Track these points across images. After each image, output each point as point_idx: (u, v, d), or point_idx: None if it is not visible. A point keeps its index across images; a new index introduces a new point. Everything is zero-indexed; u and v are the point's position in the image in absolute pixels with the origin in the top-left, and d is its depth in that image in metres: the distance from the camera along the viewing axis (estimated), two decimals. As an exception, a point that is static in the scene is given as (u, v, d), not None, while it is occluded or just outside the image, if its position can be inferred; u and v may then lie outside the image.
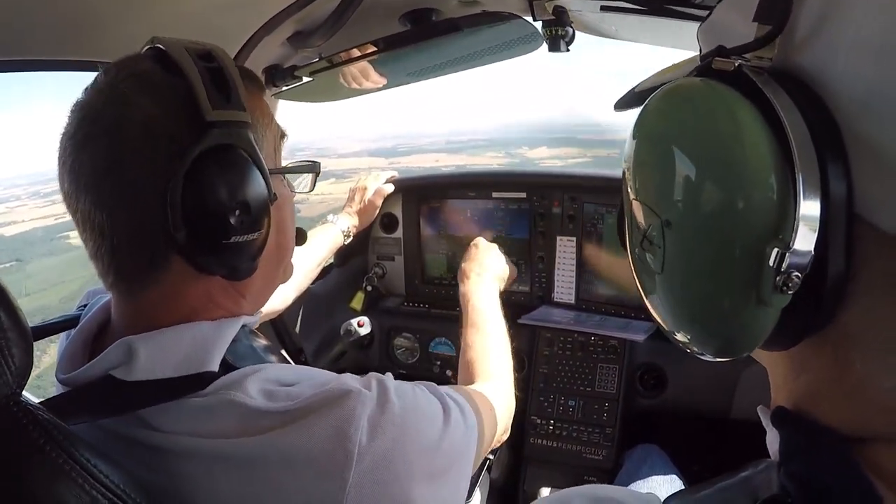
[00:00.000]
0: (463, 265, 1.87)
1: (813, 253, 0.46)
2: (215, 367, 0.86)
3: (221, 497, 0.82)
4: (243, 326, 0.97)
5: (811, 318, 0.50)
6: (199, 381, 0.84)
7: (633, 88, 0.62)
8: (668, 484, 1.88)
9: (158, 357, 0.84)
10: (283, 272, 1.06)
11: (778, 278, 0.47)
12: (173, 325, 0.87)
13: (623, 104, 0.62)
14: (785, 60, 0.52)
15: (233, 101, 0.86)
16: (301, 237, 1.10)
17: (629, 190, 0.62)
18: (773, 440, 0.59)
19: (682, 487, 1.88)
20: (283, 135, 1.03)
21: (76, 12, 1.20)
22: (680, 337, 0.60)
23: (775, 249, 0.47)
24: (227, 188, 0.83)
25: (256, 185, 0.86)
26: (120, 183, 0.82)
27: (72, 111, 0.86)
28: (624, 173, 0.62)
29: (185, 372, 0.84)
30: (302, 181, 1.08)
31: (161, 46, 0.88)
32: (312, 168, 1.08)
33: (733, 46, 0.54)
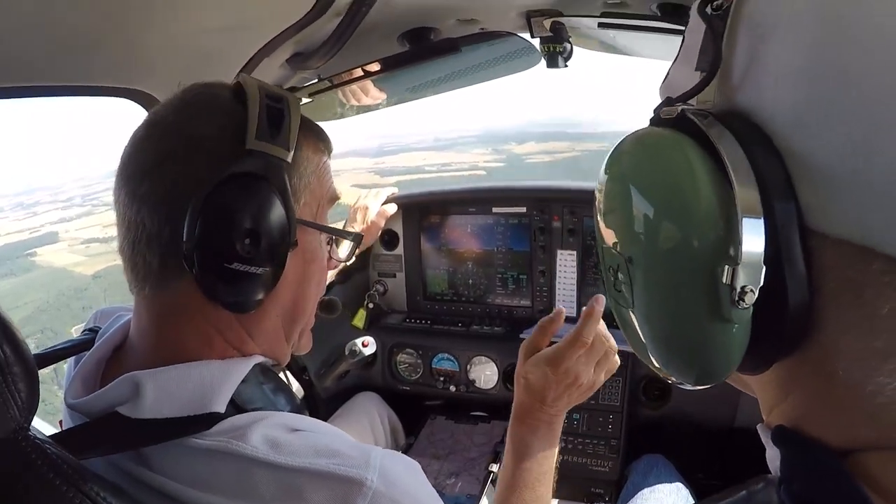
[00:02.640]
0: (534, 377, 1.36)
1: (764, 265, 0.49)
2: (221, 409, 0.85)
3: None
4: (256, 365, 0.95)
5: (782, 335, 0.52)
6: (203, 422, 0.83)
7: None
8: (674, 493, 1.89)
9: (164, 396, 0.83)
10: (300, 338, 1.06)
11: (733, 293, 0.50)
12: (182, 363, 0.88)
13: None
14: (726, 101, 0.57)
15: (279, 137, 0.88)
16: (332, 309, 1.10)
17: (600, 233, 0.65)
18: (773, 457, 0.59)
19: (689, 497, 1.88)
20: (334, 198, 1.04)
21: (73, 37, 1.20)
22: (660, 368, 0.63)
23: (725, 266, 0.50)
24: (242, 214, 0.85)
25: (274, 220, 0.87)
26: (155, 183, 0.86)
27: (147, 115, 0.93)
28: (596, 219, 0.66)
29: (190, 412, 0.83)
30: (343, 249, 1.10)
31: (241, 81, 0.92)
32: (354, 237, 1.10)
33: (678, 95, 0.60)
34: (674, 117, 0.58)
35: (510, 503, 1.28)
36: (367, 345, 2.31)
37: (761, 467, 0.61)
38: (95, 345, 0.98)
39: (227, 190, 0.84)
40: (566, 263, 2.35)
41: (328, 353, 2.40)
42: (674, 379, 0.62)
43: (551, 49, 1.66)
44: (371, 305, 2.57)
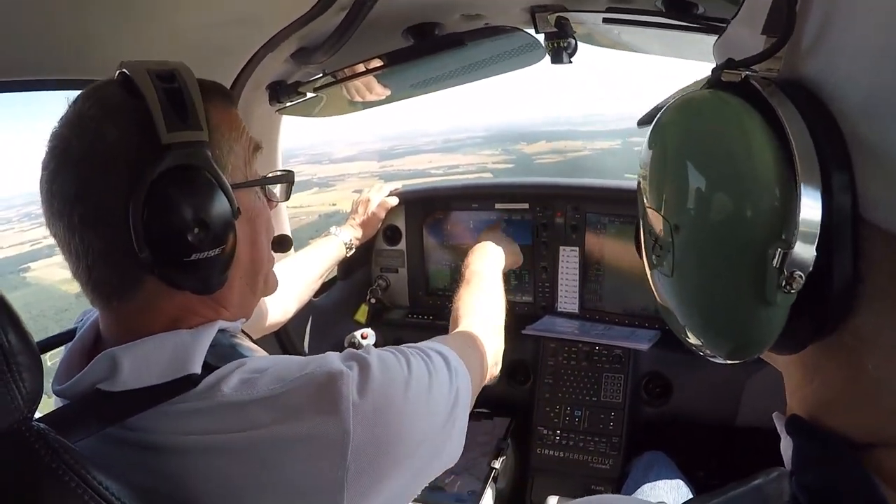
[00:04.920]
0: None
1: (816, 253, 0.48)
2: (198, 370, 0.87)
3: (222, 489, 0.84)
4: (223, 331, 0.98)
5: (820, 320, 0.51)
6: (184, 385, 0.86)
7: (657, 105, 0.64)
8: (674, 490, 1.88)
9: (142, 366, 0.86)
10: (265, 284, 1.09)
11: (781, 278, 0.48)
12: (154, 335, 0.90)
13: (646, 121, 0.64)
14: (791, 70, 0.54)
15: (190, 121, 0.88)
16: (285, 244, 1.14)
17: (643, 197, 0.63)
18: (787, 447, 0.59)
19: (689, 493, 1.88)
20: (256, 147, 1.04)
21: (75, 32, 1.20)
22: (692, 340, 0.61)
23: (778, 249, 0.48)
24: (185, 208, 0.86)
25: (215, 202, 0.89)
26: (87, 209, 0.86)
27: (47, 142, 0.90)
28: (639, 182, 0.64)
29: (169, 377, 0.86)
30: (277, 189, 1.12)
31: (126, 71, 0.90)
32: (284, 178, 1.11)
33: (741, 59, 0.56)
34: (736, 82, 0.56)
35: (460, 293, 1.64)
36: (366, 336, 2.30)
37: (763, 466, 0.60)
38: (77, 335, 1.00)
39: (162, 190, 0.85)
40: (568, 260, 2.35)
41: (330, 347, 2.39)
42: (707, 351, 0.61)
43: (556, 45, 1.65)
44: (373, 301, 2.57)
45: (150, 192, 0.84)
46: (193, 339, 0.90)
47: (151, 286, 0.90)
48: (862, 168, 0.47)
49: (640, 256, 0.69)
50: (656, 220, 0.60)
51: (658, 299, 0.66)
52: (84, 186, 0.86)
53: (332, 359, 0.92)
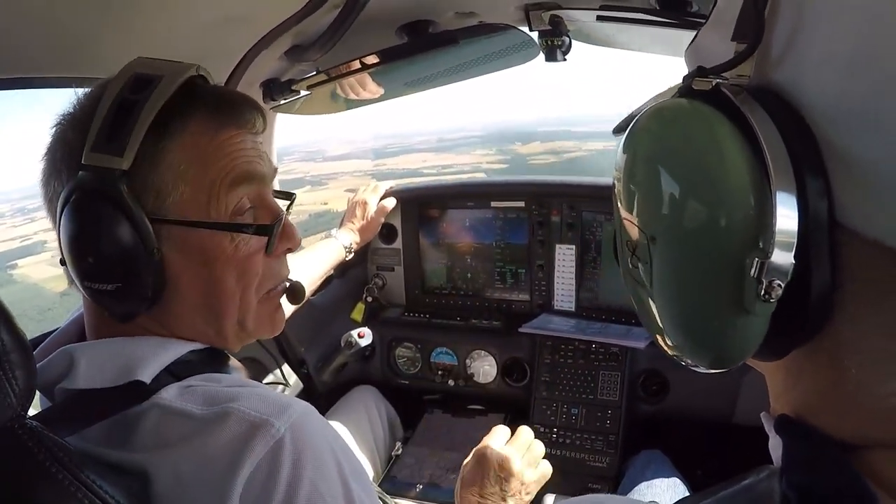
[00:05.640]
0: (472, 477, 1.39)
1: (794, 261, 0.47)
2: (146, 379, 0.84)
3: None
4: (206, 349, 0.96)
5: (800, 327, 0.51)
6: (131, 392, 0.84)
7: (632, 113, 0.64)
8: (671, 489, 1.88)
9: (95, 367, 0.85)
10: (247, 330, 0.99)
11: (759, 287, 0.48)
12: (118, 337, 0.90)
13: (621, 129, 0.63)
14: (762, 77, 0.54)
15: (114, 144, 0.83)
16: (298, 295, 1.07)
17: (618, 205, 0.63)
18: (776, 446, 0.59)
19: (686, 492, 1.88)
20: (238, 179, 0.92)
21: (71, 30, 1.20)
22: (673, 350, 0.61)
23: (755, 259, 0.48)
24: (79, 234, 0.85)
25: (112, 237, 0.84)
26: (45, 198, 0.91)
27: None
28: (614, 192, 0.64)
29: (118, 382, 0.84)
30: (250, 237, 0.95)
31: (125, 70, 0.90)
32: (252, 229, 0.94)
33: (712, 66, 0.56)
34: (707, 90, 0.55)
35: None
36: (362, 335, 2.31)
37: (760, 463, 0.60)
38: (55, 331, 1.01)
39: (69, 210, 0.84)
40: (564, 258, 2.35)
41: (327, 347, 2.40)
42: (689, 361, 0.61)
43: (550, 42, 1.65)
44: (369, 299, 2.57)
45: (64, 208, 0.84)
46: (155, 348, 0.89)
47: None
48: (836, 174, 0.47)
49: (617, 263, 0.68)
50: (633, 231, 0.60)
51: (637, 309, 0.66)
52: (43, 178, 0.90)
53: (280, 410, 0.82)
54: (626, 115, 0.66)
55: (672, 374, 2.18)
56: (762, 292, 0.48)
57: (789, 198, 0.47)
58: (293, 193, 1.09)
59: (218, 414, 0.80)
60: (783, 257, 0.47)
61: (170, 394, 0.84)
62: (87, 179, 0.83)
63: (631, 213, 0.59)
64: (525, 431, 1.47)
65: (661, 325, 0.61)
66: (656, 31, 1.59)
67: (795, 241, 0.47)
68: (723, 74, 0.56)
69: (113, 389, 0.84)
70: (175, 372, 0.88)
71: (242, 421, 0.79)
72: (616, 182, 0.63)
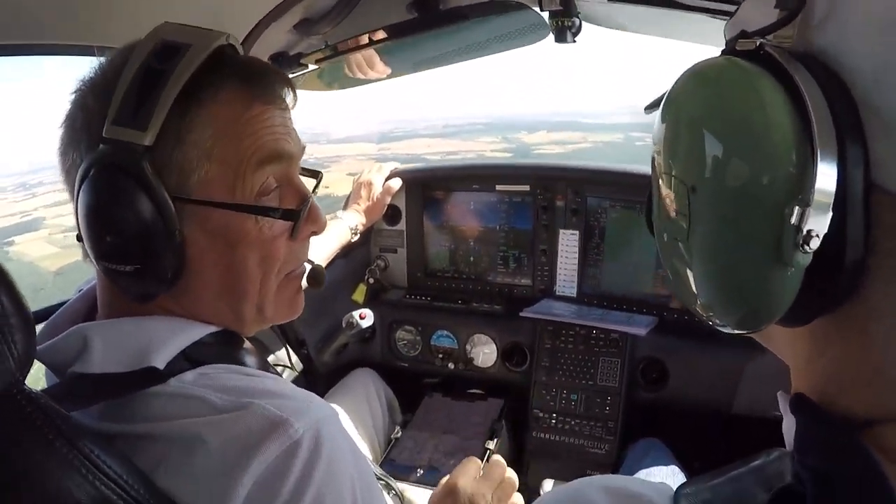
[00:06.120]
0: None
1: (832, 213, 0.48)
2: (160, 364, 0.82)
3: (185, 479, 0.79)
4: (221, 331, 0.94)
5: (833, 288, 0.51)
6: (146, 377, 0.82)
7: (663, 94, 0.64)
8: (669, 478, 1.89)
9: (111, 350, 0.83)
10: (265, 314, 0.97)
11: (798, 236, 0.48)
12: (132, 316, 0.88)
13: (655, 105, 0.64)
14: (804, 41, 0.55)
15: (137, 118, 0.80)
16: (319, 278, 1.08)
17: (658, 166, 0.63)
18: (789, 427, 0.59)
19: (683, 480, 1.88)
20: (266, 158, 0.90)
21: None
22: (703, 307, 0.61)
23: (795, 207, 0.48)
24: (95, 211, 0.82)
25: (133, 216, 0.81)
26: (62, 168, 0.88)
27: None
28: (653, 157, 0.64)
29: (132, 367, 0.82)
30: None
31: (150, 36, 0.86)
32: (279, 213, 0.92)
33: (755, 29, 0.56)
34: (751, 50, 0.56)
35: None
36: (364, 317, 2.31)
37: (759, 453, 0.60)
38: (64, 305, 0.98)
39: (88, 186, 0.81)
40: (568, 243, 2.34)
41: (328, 327, 2.40)
42: (717, 320, 0.61)
43: (560, 23, 1.63)
44: (371, 281, 2.56)
45: (82, 183, 0.81)
46: (169, 331, 0.87)
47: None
48: (874, 136, 0.48)
49: (651, 231, 0.68)
50: (672, 185, 0.59)
51: (669, 269, 0.65)
52: (61, 147, 0.87)
53: (303, 409, 0.81)
54: (657, 97, 0.66)
55: (672, 362, 2.18)
56: (800, 242, 0.48)
57: (830, 156, 0.48)
58: (320, 172, 1.06)
59: (237, 406, 0.78)
60: (822, 210, 0.48)
61: (187, 379, 0.82)
62: (107, 154, 0.80)
63: (673, 168, 0.59)
64: (497, 465, 1.43)
65: (694, 279, 0.60)
66: (668, 14, 1.58)
67: (833, 196, 0.48)
68: (765, 37, 0.56)
69: (126, 374, 0.82)
70: (191, 356, 0.86)
71: (261, 417, 0.77)
72: (655, 151, 0.63)
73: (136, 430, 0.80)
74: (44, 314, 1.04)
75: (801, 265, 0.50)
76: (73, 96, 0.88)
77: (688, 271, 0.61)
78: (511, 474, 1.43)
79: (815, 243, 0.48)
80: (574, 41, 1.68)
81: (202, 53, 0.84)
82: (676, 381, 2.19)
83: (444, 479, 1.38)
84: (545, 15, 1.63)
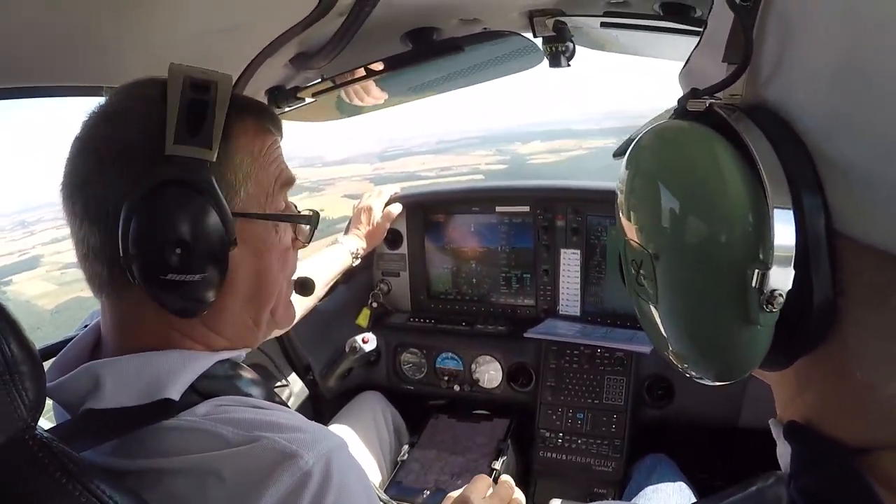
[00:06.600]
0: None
1: (794, 270, 0.48)
2: (175, 396, 0.84)
3: None
4: (226, 361, 0.96)
5: (805, 335, 0.52)
6: (160, 410, 0.84)
7: (631, 137, 0.66)
8: (677, 493, 1.88)
9: (122, 385, 0.84)
10: (274, 318, 1.05)
11: (761, 298, 0.49)
12: (143, 352, 0.89)
13: (621, 153, 0.65)
14: (754, 95, 0.56)
15: (201, 136, 0.86)
16: (308, 287, 1.15)
17: (622, 225, 0.64)
18: (783, 453, 0.59)
19: (692, 496, 1.88)
20: (287, 182, 1.01)
21: (75, 38, 1.19)
22: (680, 364, 0.63)
23: (756, 270, 0.49)
24: (167, 225, 0.84)
25: (204, 227, 0.85)
26: (88, 199, 0.87)
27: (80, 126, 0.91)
28: (617, 213, 0.65)
29: (145, 400, 0.84)
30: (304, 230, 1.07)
31: (170, 73, 0.89)
32: (302, 218, 1.05)
33: (705, 87, 0.58)
34: (701, 111, 0.57)
35: None
36: (367, 341, 2.32)
37: (765, 468, 0.61)
38: (73, 341, 0.99)
39: (151, 201, 0.83)
40: (570, 262, 2.35)
41: (332, 353, 2.41)
42: (695, 374, 0.62)
43: (554, 49, 1.65)
44: (375, 305, 2.57)
45: (143, 199, 0.83)
46: (180, 364, 0.88)
47: (138, 294, 0.87)
48: (832, 184, 0.49)
49: (622, 279, 0.70)
50: (637, 249, 0.61)
51: (644, 326, 0.67)
52: (89, 178, 0.87)
53: (312, 442, 0.83)
54: (624, 141, 0.67)
55: (677, 378, 2.17)
56: (764, 303, 0.49)
57: (786, 211, 0.48)
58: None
59: (249, 439, 0.81)
60: (783, 268, 0.48)
61: (199, 412, 0.85)
62: (178, 171, 0.84)
63: (635, 231, 0.61)
64: (505, 485, 1.47)
65: (666, 338, 0.62)
66: (660, 37, 1.59)
67: (794, 252, 0.48)
68: (716, 95, 0.57)
69: (139, 407, 0.84)
70: (200, 389, 0.89)
71: (273, 450, 0.80)
72: (619, 203, 0.64)
73: (149, 465, 0.82)
74: (46, 352, 1.05)
75: (769, 322, 0.51)
76: (88, 130, 0.90)
77: (661, 331, 0.62)
78: (519, 494, 1.46)
79: (779, 302, 0.49)
80: (568, 65, 1.70)
81: (228, 89, 0.90)
82: (682, 397, 2.19)
83: (455, 493, 1.43)
84: (539, 41, 1.65)
